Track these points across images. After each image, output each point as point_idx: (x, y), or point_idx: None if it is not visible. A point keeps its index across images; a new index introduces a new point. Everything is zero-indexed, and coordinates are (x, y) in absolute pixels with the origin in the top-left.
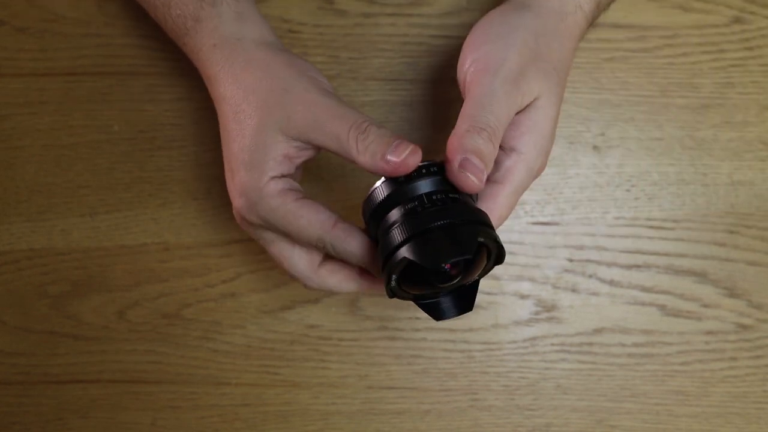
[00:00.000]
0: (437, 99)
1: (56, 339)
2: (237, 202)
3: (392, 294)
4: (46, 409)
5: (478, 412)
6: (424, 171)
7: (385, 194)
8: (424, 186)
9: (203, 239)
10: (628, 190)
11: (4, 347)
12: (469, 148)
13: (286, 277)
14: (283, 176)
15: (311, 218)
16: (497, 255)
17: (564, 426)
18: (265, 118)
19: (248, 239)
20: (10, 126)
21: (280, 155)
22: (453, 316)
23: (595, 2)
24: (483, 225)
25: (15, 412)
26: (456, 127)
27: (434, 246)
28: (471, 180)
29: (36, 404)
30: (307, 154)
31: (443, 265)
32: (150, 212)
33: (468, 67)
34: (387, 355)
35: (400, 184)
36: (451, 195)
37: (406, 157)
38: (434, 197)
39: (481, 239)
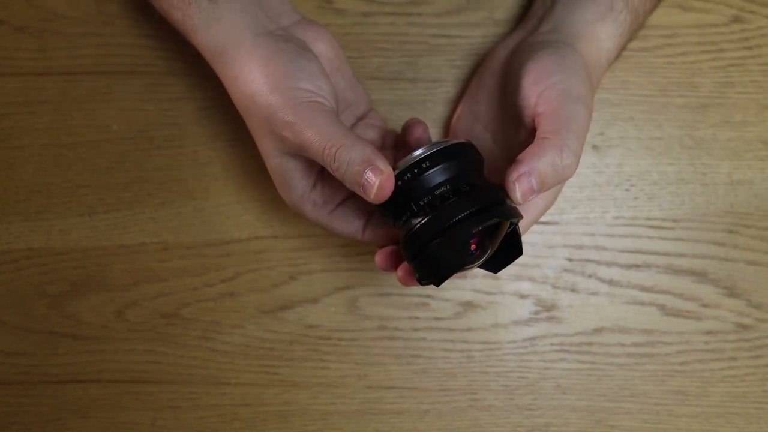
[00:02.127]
0: (437, 98)
1: (55, 339)
2: None
3: (438, 283)
4: (45, 409)
5: (477, 412)
6: (428, 163)
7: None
8: (434, 178)
9: (202, 239)
10: (627, 190)
11: (3, 347)
12: (537, 167)
13: (285, 276)
14: (312, 188)
15: (342, 230)
16: (512, 222)
17: (563, 426)
18: (266, 142)
19: (247, 239)
20: (8, 125)
21: (296, 173)
22: (506, 266)
23: (618, 54)
24: (479, 213)
25: (14, 412)
26: (537, 137)
27: (433, 263)
28: (515, 197)
29: (35, 404)
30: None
31: (448, 276)
32: (149, 212)
33: (543, 90)
34: (386, 355)
35: (404, 182)
36: (450, 186)
37: (377, 192)
38: (422, 203)
39: (480, 227)
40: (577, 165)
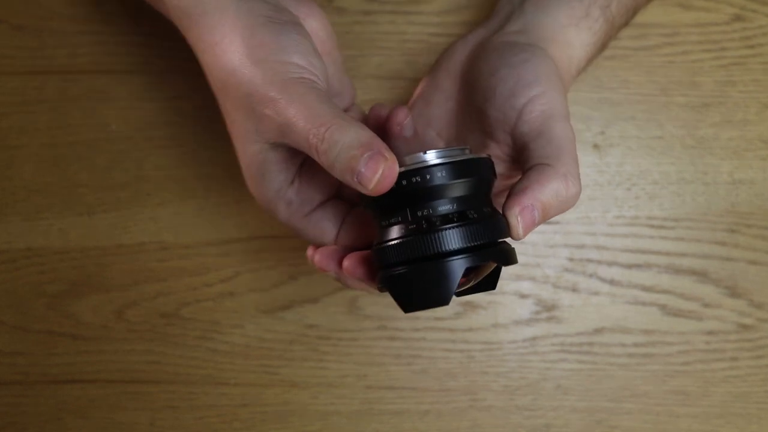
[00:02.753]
0: None
1: (54, 338)
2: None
3: (406, 311)
4: (44, 409)
5: (477, 412)
6: (443, 173)
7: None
8: (444, 192)
9: (201, 238)
10: (628, 189)
11: (1, 347)
12: (540, 198)
13: (285, 276)
14: (289, 185)
15: (315, 237)
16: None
17: (564, 426)
18: (244, 125)
19: (247, 238)
20: (7, 125)
21: (273, 166)
22: (476, 293)
23: (586, 65)
24: (479, 251)
25: (13, 412)
26: (533, 163)
27: (409, 287)
28: (517, 232)
29: (34, 404)
30: (303, 154)
31: (420, 309)
32: (148, 211)
33: (524, 104)
34: (386, 355)
35: (409, 183)
36: (457, 207)
37: (377, 183)
38: (420, 213)
39: (470, 265)
40: (579, 194)
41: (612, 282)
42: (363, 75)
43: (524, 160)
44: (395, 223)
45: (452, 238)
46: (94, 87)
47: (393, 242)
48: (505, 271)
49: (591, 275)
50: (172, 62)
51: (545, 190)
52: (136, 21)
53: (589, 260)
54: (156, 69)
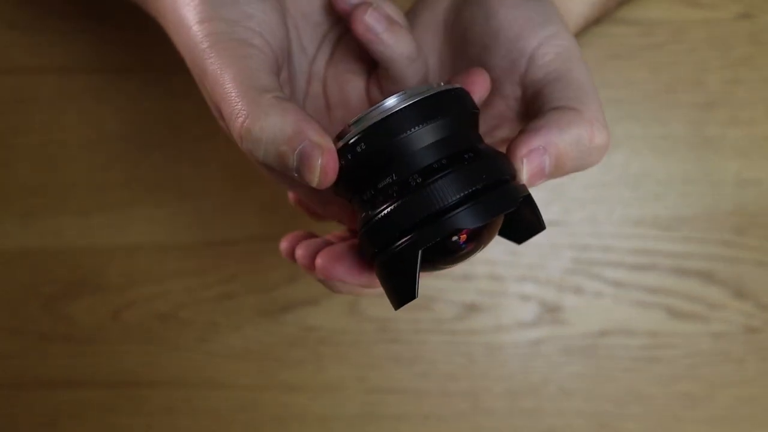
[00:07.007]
0: None
1: (49, 340)
2: None
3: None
4: (38, 412)
5: (479, 415)
6: (416, 122)
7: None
8: (422, 139)
9: (199, 239)
10: (633, 189)
11: None
12: (557, 143)
13: (285, 277)
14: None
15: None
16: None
17: (567, 430)
18: (210, 102)
19: (246, 239)
20: (2, 124)
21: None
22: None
23: (581, 29)
24: (481, 196)
25: (6, 414)
26: (549, 106)
27: (388, 283)
28: (522, 177)
29: (28, 407)
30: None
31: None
32: (145, 211)
33: (536, 47)
34: (387, 358)
35: (377, 140)
36: (447, 152)
37: (321, 176)
38: (389, 180)
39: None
40: (608, 147)
41: (617, 283)
42: None
43: (538, 107)
44: (370, 198)
45: (447, 189)
46: (90, 86)
47: (373, 223)
48: (509, 272)
49: (595, 276)
50: (169, 61)
51: (564, 136)
52: (133, 20)
53: (594, 261)
54: (153, 68)
